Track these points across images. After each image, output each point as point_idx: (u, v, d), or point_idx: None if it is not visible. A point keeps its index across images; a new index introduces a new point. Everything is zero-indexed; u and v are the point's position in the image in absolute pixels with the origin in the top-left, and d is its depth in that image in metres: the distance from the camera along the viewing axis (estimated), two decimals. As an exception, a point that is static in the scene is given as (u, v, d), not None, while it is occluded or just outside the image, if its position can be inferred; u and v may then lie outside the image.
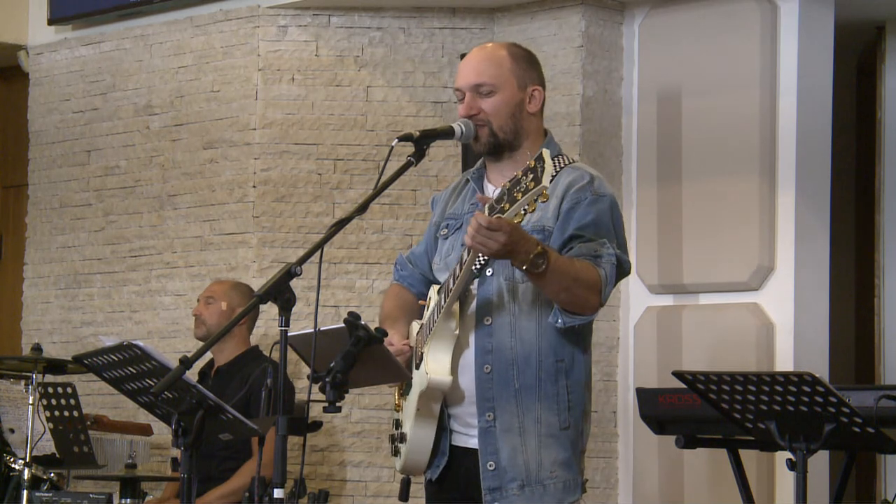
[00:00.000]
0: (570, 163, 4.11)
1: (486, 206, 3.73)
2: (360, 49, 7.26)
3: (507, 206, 3.66)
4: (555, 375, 4.00)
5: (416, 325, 4.15)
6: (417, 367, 3.99)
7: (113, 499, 5.94)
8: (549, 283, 3.85)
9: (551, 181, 3.82)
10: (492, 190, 4.09)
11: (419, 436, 3.99)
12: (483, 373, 3.98)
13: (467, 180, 4.21)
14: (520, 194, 3.63)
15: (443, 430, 4.02)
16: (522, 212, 3.68)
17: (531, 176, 3.62)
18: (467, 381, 3.98)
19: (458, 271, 3.89)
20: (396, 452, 4.09)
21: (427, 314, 4.04)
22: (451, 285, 3.91)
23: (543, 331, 3.99)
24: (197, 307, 6.63)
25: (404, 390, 4.08)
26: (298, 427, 3.59)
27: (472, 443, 4.00)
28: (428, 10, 7.21)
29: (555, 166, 3.88)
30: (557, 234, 3.99)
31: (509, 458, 3.95)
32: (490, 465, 3.96)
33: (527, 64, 4.12)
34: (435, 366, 3.94)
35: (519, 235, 3.74)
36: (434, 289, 4.07)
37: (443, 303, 3.93)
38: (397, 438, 4.08)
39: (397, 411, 4.11)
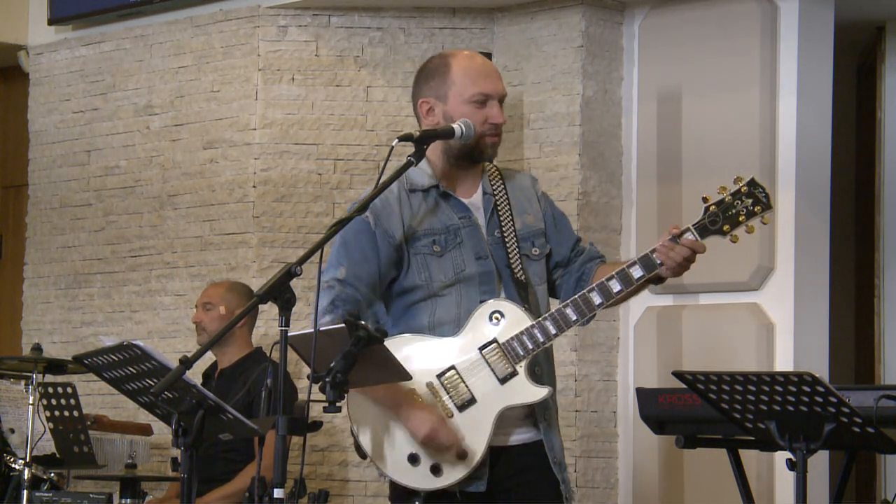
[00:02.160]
0: (492, 165, 4.24)
1: (695, 227, 4.03)
2: (360, 49, 7.26)
3: (728, 227, 4.03)
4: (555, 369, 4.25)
5: (421, 341, 4.06)
6: (504, 382, 4.02)
7: (113, 499, 5.95)
8: (636, 294, 4.15)
9: (502, 184, 4.15)
10: (466, 202, 4.13)
11: (484, 450, 4.03)
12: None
13: (412, 191, 4.12)
14: (742, 216, 4.01)
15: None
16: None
17: (751, 200, 4.01)
18: None
19: (615, 288, 4.02)
20: (438, 471, 4.01)
21: (507, 330, 4.03)
22: (595, 301, 4.02)
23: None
24: (196, 314, 6.60)
25: (461, 406, 4.03)
26: (298, 427, 3.59)
27: (512, 440, 4.08)
28: (428, 10, 7.22)
29: (496, 170, 4.21)
30: (556, 238, 4.21)
31: (559, 450, 4.15)
32: (555, 460, 4.12)
33: None
34: (535, 378, 4.07)
35: None
36: (510, 304, 4.04)
37: (574, 318, 4.03)
38: (455, 456, 3.99)
39: None
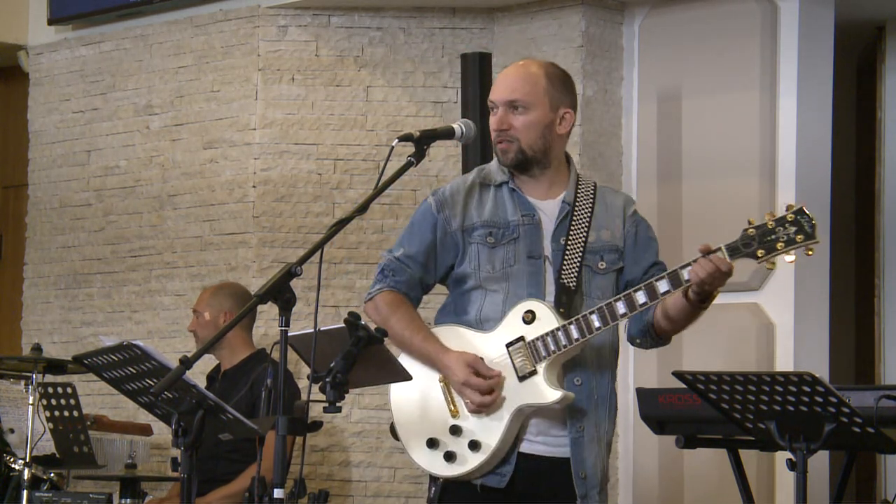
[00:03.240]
0: (593, 182, 4.32)
1: (726, 248, 4.00)
2: (360, 49, 7.26)
3: (762, 252, 4.00)
4: (614, 389, 4.28)
5: (464, 332, 4.16)
6: (522, 381, 4.07)
7: (113, 499, 5.95)
8: (692, 317, 4.18)
9: (592, 199, 4.19)
10: (535, 203, 4.21)
11: (504, 445, 4.09)
12: (574, 385, 4.14)
13: (484, 185, 4.24)
14: (781, 244, 3.97)
15: (514, 438, 4.12)
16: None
17: (794, 229, 3.97)
18: None
19: (640, 300, 4.03)
20: (452, 458, 4.09)
21: (536, 329, 4.08)
22: (619, 311, 4.05)
23: (612, 345, 4.25)
24: (191, 321, 6.61)
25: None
26: (298, 427, 3.59)
27: (543, 450, 4.13)
28: (428, 10, 7.21)
29: (594, 187, 4.26)
30: (632, 257, 4.25)
31: (593, 466, 4.15)
32: (581, 475, 4.13)
33: (562, 86, 4.27)
34: (554, 381, 4.09)
35: None
36: (544, 305, 4.10)
37: (597, 326, 4.06)
38: (465, 446, 4.08)
39: (455, 417, 4.10)
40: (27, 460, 6.13)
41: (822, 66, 6.69)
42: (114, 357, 3.87)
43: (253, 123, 7.28)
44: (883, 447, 4.06)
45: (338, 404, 3.58)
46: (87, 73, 7.99)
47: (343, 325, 3.63)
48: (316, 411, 3.65)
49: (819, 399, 3.82)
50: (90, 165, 7.93)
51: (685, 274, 4.05)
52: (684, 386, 4.09)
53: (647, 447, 6.68)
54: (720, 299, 6.62)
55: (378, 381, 4.00)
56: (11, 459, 6.33)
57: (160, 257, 7.58)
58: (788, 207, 4.05)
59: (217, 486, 6.13)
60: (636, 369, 6.87)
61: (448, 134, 4.12)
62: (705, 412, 4.43)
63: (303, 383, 6.14)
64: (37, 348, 6.42)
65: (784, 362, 6.46)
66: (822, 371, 6.35)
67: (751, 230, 4.02)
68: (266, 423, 3.72)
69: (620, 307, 4.05)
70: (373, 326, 3.77)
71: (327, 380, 3.58)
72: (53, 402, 6.14)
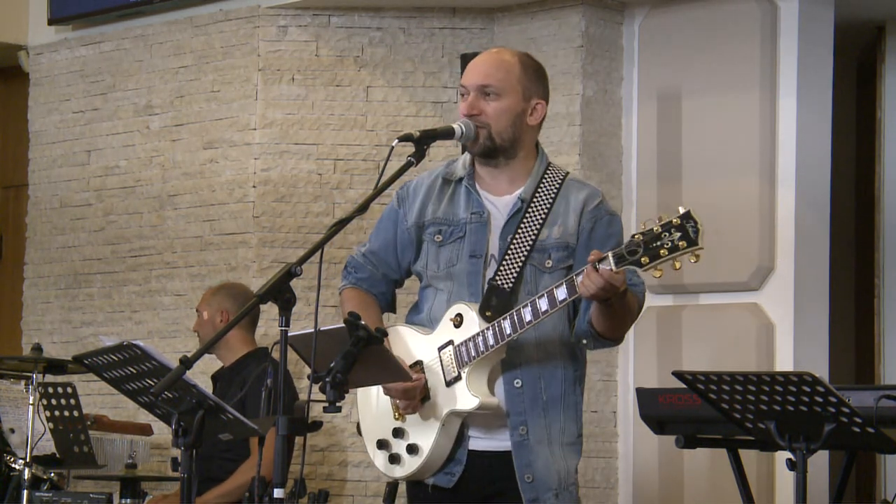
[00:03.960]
0: (564, 174, 4.16)
1: (613, 255, 3.76)
2: (360, 49, 7.26)
3: (646, 259, 3.72)
4: (574, 385, 4.11)
5: (406, 333, 4.14)
6: (449, 386, 4.01)
7: (113, 499, 5.95)
8: (613, 318, 3.94)
9: (555, 193, 4.04)
10: (490, 199, 4.12)
11: (440, 449, 4.03)
12: (514, 387, 4.04)
13: (446, 181, 4.19)
14: (665, 251, 3.71)
15: (460, 438, 4.05)
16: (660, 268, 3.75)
17: (679, 234, 3.72)
18: (497, 395, 4.03)
19: (543, 307, 3.88)
20: (395, 460, 4.07)
21: (462, 333, 4.02)
22: (526, 318, 3.90)
23: (565, 343, 4.08)
24: (195, 321, 6.62)
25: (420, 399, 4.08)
26: (298, 427, 3.59)
27: (492, 445, 4.05)
28: (428, 10, 7.22)
29: (561, 180, 4.09)
30: (583, 254, 4.00)
31: (544, 468, 4.03)
32: (528, 478, 4.02)
33: (535, 76, 4.15)
34: (478, 386, 3.99)
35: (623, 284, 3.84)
36: (470, 308, 4.01)
37: (508, 332, 3.93)
38: (404, 449, 4.06)
39: (397, 420, 4.08)
40: (27, 460, 6.13)
41: (821, 66, 6.70)
42: (114, 357, 3.86)
43: (253, 123, 7.29)
44: (883, 447, 4.06)
45: (338, 404, 3.57)
46: (87, 73, 8.00)
47: (343, 325, 3.63)
48: (316, 411, 3.65)
49: (819, 399, 3.82)
50: (90, 165, 7.93)
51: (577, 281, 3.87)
52: (684, 386, 4.08)
53: (647, 447, 6.68)
54: (720, 299, 6.70)
55: (378, 381, 4.00)
56: (11, 459, 6.33)
57: (160, 257, 7.58)
58: (676, 212, 3.79)
59: (212, 485, 6.14)
60: (636, 369, 6.87)
61: (448, 134, 4.08)
62: (705, 412, 4.43)
63: (303, 383, 6.14)
64: (37, 348, 6.42)
65: (784, 362, 6.46)
66: (822, 371, 6.35)
67: (637, 236, 3.75)
68: (266, 423, 3.72)
69: (527, 314, 3.92)
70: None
71: (327, 380, 3.58)
72: (53, 402, 6.14)
